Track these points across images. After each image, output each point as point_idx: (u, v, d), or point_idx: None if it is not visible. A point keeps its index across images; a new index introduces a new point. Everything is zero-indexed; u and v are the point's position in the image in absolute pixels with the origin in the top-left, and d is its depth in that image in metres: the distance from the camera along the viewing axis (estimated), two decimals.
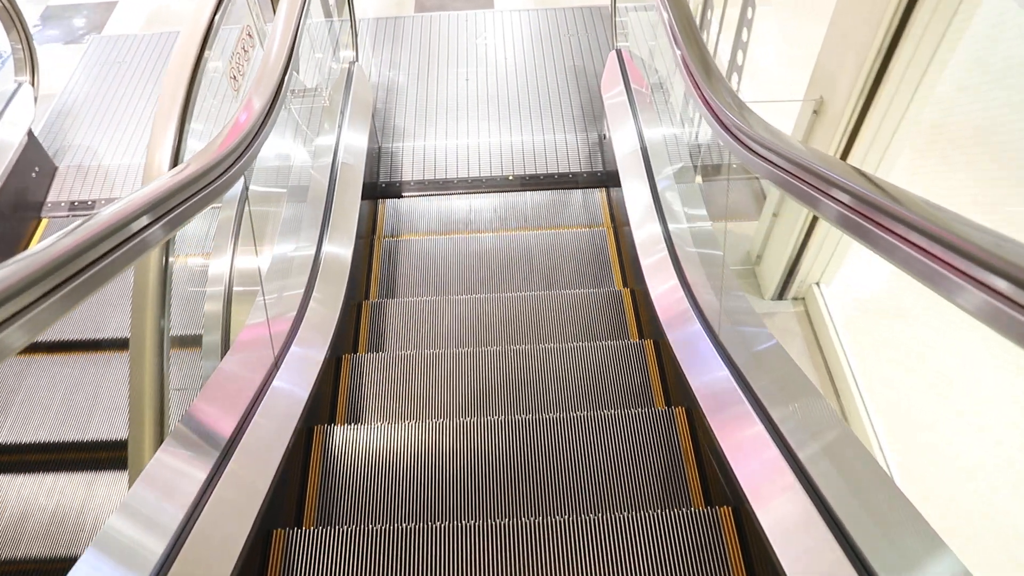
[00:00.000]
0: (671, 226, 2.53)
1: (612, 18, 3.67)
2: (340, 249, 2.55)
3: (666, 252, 2.34)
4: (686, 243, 2.37)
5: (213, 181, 1.35)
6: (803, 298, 3.08)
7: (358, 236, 2.77)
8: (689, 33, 2.21)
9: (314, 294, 2.24)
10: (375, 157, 3.59)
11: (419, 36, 4.39)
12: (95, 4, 4.85)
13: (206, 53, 1.93)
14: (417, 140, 3.74)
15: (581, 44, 4.26)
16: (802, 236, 2.73)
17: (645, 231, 2.55)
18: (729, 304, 1.89)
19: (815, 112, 2.45)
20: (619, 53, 3.54)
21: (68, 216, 3.41)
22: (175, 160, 1.60)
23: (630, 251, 2.73)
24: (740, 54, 2.93)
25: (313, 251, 2.36)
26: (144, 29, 4.59)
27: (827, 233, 2.71)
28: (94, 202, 3.46)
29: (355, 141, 3.17)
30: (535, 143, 3.68)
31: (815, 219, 2.66)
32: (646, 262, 2.39)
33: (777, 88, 3.68)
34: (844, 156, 2.40)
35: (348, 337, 2.51)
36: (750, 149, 1.48)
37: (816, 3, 3.86)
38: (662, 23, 2.50)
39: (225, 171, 1.44)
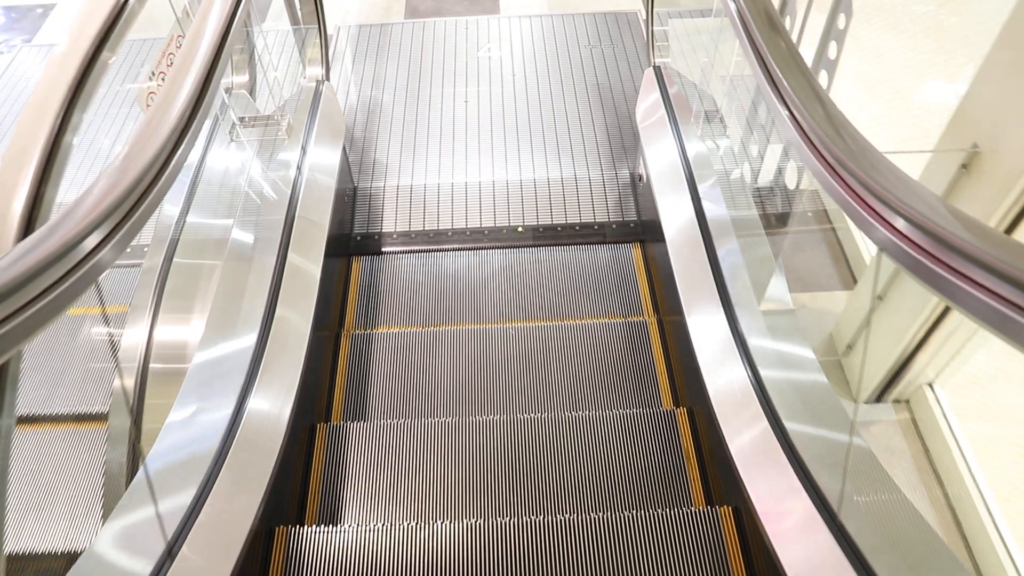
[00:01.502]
0: (754, 346, 1.78)
1: (648, 27, 2.94)
2: (274, 405, 1.75)
3: (765, 423, 1.58)
4: (785, 383, 1.64)
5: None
6: (908, 400, 2.34)
7: (318, 329, 2.03)
8: (780, 47, 1.51)
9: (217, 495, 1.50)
10: (347, 202, 2.85)
11: (409, 47, 3.66)
12: (26, 7, 4.14)
13: (96, 66, 1.35)
14: (403, 178, 3.01)
15: (606, 58, 3.53)
16: (926, 329, 1.99)
17: (724, 378, 1.79)
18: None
19: (963, 167, 1.71)
20: (658, 72, 2.81)
21: None
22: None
23: (685, 361, 2.00)
24: (825, 75, 2.19)
25: (230, 412, 1.61)
26: None
27: (959, 324, 1.97)
28: None
29: (318, 187, 2.44)
30: (551, 183, 2.94)
31: (948, 308, 1.92)
32: (736, 443, 1.64)
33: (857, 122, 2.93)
34: (1010, 231, 1.66)
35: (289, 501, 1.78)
36: (891, 226, 0.81)
37: (887, 6, 3.12)
38: (735, 28, 1.78)
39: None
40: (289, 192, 2.37)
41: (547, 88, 3.38)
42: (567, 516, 1.66)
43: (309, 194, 2.38)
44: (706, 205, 2.31)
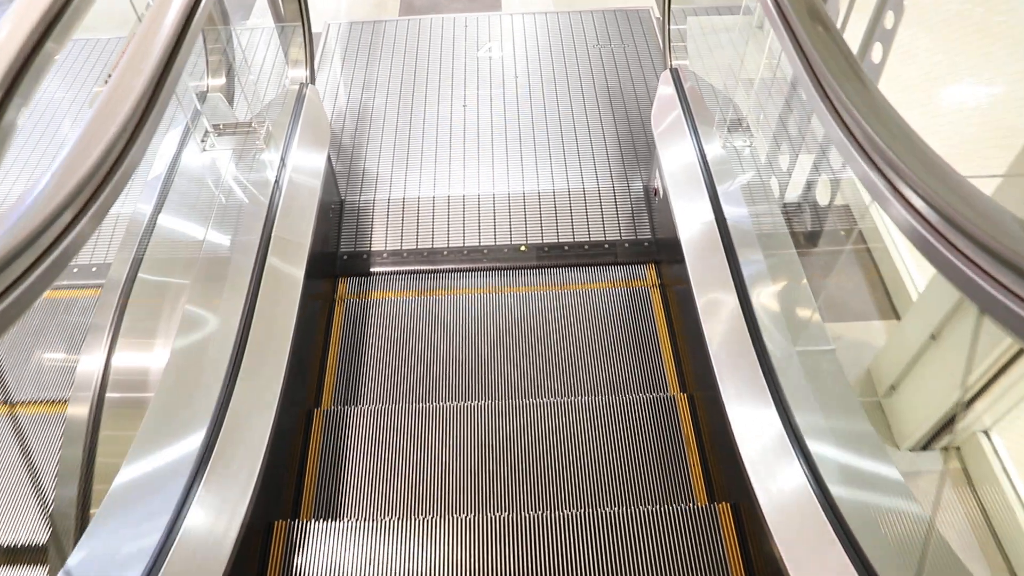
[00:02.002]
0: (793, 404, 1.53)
1: (664, 26, 2.68)
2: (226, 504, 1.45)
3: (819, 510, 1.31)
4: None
5: None
6: (959, 447, 2.08)
7: (288, 405, 1.75)
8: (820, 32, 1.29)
9: None
10: (333, 217, 2.60)
11: (404, 47, 3.40)
12: None
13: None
14: (395, 190, 2.75)
15: (617, 59, 3.27)
16: (991, 374, 1.74)
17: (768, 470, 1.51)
18: None
19: None
20: (675, 75, 2.55)
21: None
22: None
23: (714, 422, 1.74)
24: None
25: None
26: None
27: None
28: None
29: (299, 202, 2.20)
30: (556, 196, 2.69)
31: (1020, 352, 1.67)
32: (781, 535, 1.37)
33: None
34: None
35: None
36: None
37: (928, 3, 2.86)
38: (767, 14, 1.55)
39: None
40: (265, 211, 2.12)
41: (552, 91, 3.12)
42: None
43: (287, 212, 2.13)
44: (732, 224, 2.06)
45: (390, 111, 3.08)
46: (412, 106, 3.09)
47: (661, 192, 2.51)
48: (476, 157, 2.86)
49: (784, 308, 1.80)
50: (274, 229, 2.07)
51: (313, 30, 3.49)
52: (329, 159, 2.56)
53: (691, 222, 2.17)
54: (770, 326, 1.69)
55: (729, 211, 2.08)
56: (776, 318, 1.73)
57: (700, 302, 1.93)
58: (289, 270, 2.04)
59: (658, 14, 3.56)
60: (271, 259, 1.96)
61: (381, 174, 2.82)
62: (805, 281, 1.85)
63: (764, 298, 1.83)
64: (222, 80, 2.72)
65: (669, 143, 2.44)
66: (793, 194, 2.47)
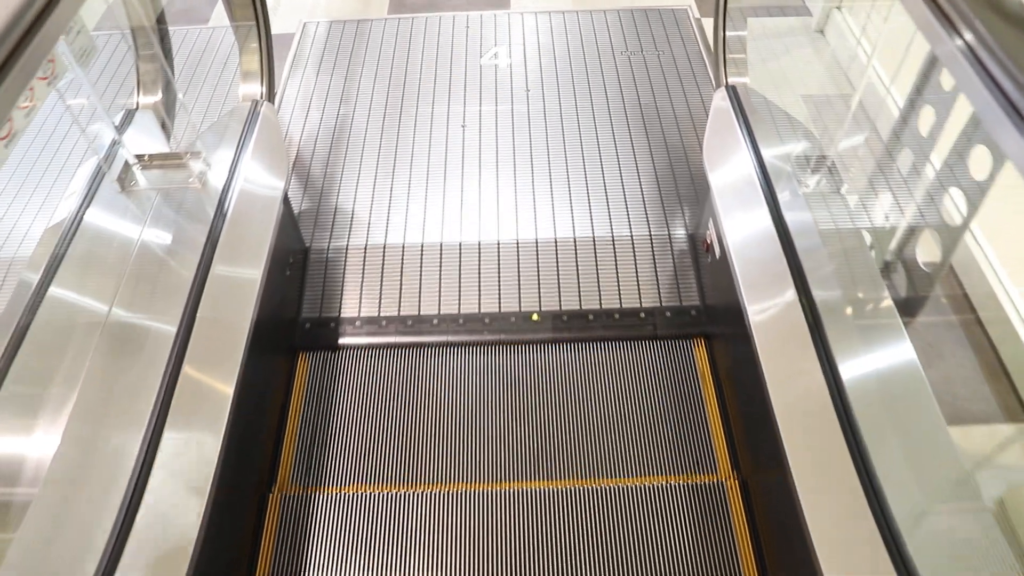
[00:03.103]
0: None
1: (717, 32, 2.14)
2: None
3: None
4: None
5: None
6: None
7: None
8: None
9: None
10: (293, 273, 2.06)
11: (392, 51, 2.85)
12: None
13: None
14: (374, 234, 2.21)
15: (651, 69, 2.71)
16: None
17: None
18: None
19: None
20: (733, 95, 2.01)
21: None
22: None
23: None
24: None
25: None
26: None
27: None
28: None
29: (243, 256, 1.66)
30: (578, 246, 2.14)
31: None
32: None
33: None
34: None
35: None
36: None
37: None
38: None
39: None
40: (195, 270, 1.58)
41: (571, 110, 2.57)
42: None
43: (224, 274, 1.59)
44: (817, 294, 1.52)
45: (372, 133, 2.52)
46: (399, 127, 2.53)
47: (716, 246, 1.95)
48: (477, 193, 2.31)
49: (894, 414, 1.27)
50: (204, 294, 1.53)
51: (284, 31, 2.94)
52: (287, 199, 2.01)
53: (760, 288, 1.63)
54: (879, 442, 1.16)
55: (812, 273, 1.54)
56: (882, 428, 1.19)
57: (775, 397, 1.38)
58: (220, 361, 1.49)
59: (697, 14, 3.01)
60: (195, 344, 1.43)
61: (358, 213, 2.27)
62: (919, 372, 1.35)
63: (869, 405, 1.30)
64: (157, 96, 2.18)
65: (728, 183, 1.89)
66: (897, 251, 1.92)
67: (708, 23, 2.97)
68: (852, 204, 1.87)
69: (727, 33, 2.10)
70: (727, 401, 1.82)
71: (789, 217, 1.68)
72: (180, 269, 1.59)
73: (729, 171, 1.91)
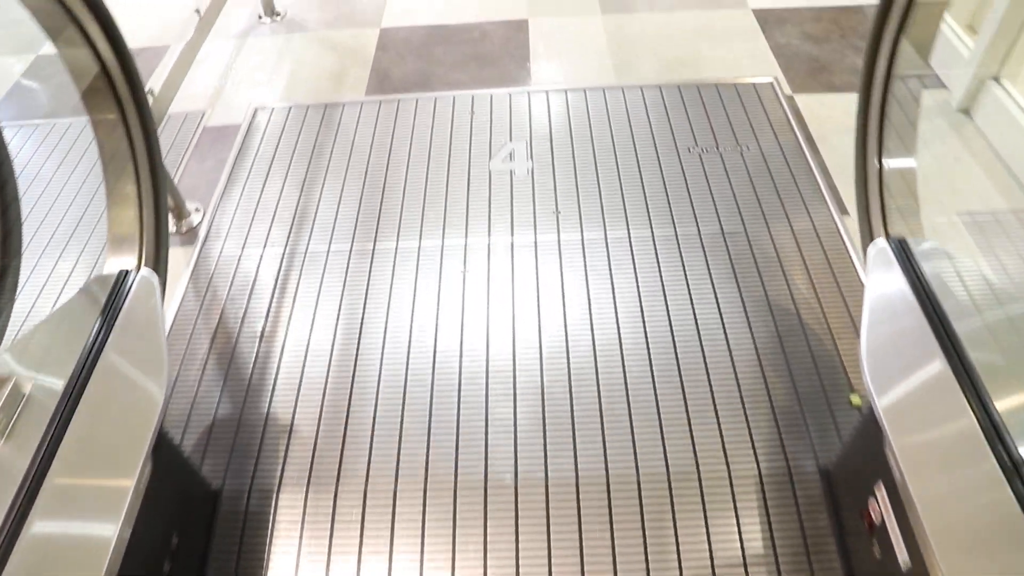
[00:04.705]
0: None
1: (865, 160, 1.34)
2: None
3: None
4: None
5: None
6: None
7: None
8: None
9: None
10: (193, 534, 1.26)
11: (367, 148, 2.09)
12: None
13: None
14: (321, 470, 1.42)
15: (731, 172, 1.93)
16: None
17: None
18: None
19: None
20: (902, 251, 1.20)
21: None
22: None
23: None
24: None
25: None
26: None
27: None
28: None
29: (83, 520, 0.86)
30: (645, 503, 1.33)
31: None
32: None
33: None
34: None
35: None
36: None
37: None
38: None
39: None
40: None
41: (622, 243, 1.77)
42: None
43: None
44: None
45: (328, 293, 1.75)
46: (369, 277, 1.75)
47: (894, 534, 1.13)
48: (480, 399, 1.51)
49: None
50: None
51: (227, 121, 2.21)
52: (161, 434, 1.24)
53: None
54: None
55: None
56: None
57: None
58: None
59: (788, 89, 2.21)
60: None
61: (299, 430, 1.48)
62: None
63: None
64: None
65: (916, 420, 1.08)
66: None
67: (804, 101, 2.17)
68: None
69: (883, 164, 1.30)
70: None
71: None
72: None
73: (917, 400, 1.09)
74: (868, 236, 1.36)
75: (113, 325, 1.22)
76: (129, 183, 1.31)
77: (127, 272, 1.30)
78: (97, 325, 1.20)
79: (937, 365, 1.06)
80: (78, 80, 1.26)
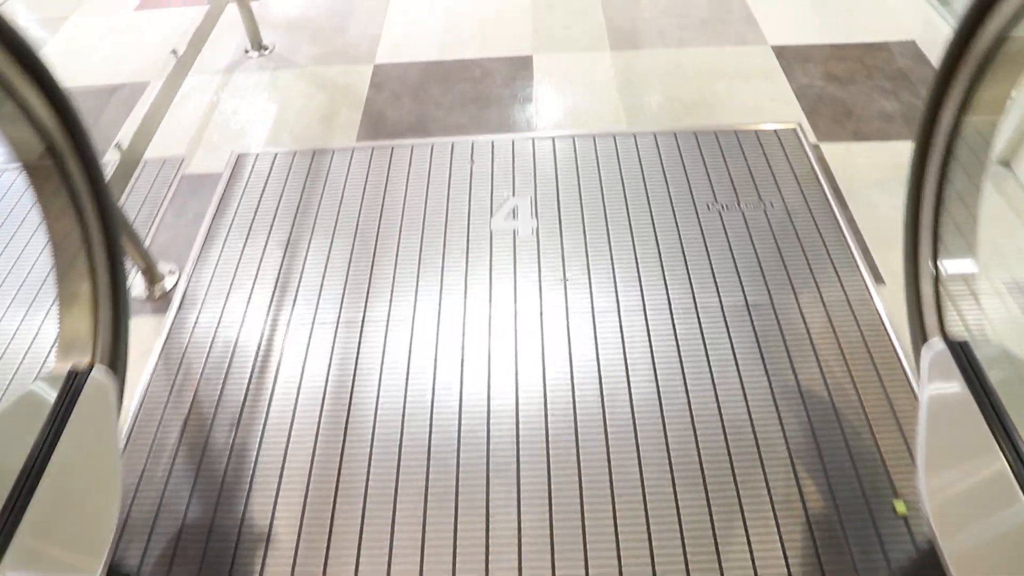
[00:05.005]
0: None
1: (915, 258, 1.18)
2: None
3: None
4: None
5: None
6: None
7: None
8: None
9: None
10: None
11: (358, 200, 1.95)
12: None
13: None
14: None
15: (754, 232, 1.78)
16: None
17: None
18: None
19: None
20: (963, 357, 1.03)
21: None
22: None
23: None
24: None
25: None
26: None
27: None
28: None
29: None
30: None
31: None
32: None
33: None
34: None
35: None
36: None
37: None
38: None
39: None
40: None
41: (636, 312, 1.62)
42: None
43: None
44: None
45: (313, 372, 1.59)
46: (358, 355, 1.60)
47: None
48: (480, 500, 1.36)
49: None
50: None
51: (209, 169, 2.06)
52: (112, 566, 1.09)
53: None
54: None
55: None
56: None
57: None
58: None
59: (814, 138, 2.06)
60: None
61: (277, 540, 1.33)
62: None
63: None
64: None
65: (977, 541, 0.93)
66: None
67: (830, 150, 2.02)
68: None
69: (943, 270, 1.14)
70: None
71: None
72: None
73: (994, 558, 0.94)
74: (920, 333, 1.20)
75: (57, 440, 1.06)
76: (83, 280, 1.15)
77: (76, 374, 1.14)
78: (36, 439, 1.04)
79: (1016, 514, 0.90)
80: (18, 157, 1.10)
